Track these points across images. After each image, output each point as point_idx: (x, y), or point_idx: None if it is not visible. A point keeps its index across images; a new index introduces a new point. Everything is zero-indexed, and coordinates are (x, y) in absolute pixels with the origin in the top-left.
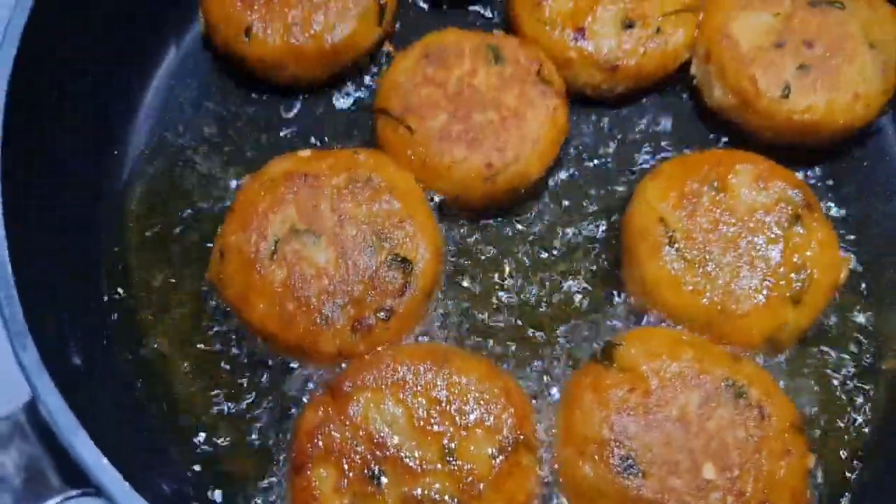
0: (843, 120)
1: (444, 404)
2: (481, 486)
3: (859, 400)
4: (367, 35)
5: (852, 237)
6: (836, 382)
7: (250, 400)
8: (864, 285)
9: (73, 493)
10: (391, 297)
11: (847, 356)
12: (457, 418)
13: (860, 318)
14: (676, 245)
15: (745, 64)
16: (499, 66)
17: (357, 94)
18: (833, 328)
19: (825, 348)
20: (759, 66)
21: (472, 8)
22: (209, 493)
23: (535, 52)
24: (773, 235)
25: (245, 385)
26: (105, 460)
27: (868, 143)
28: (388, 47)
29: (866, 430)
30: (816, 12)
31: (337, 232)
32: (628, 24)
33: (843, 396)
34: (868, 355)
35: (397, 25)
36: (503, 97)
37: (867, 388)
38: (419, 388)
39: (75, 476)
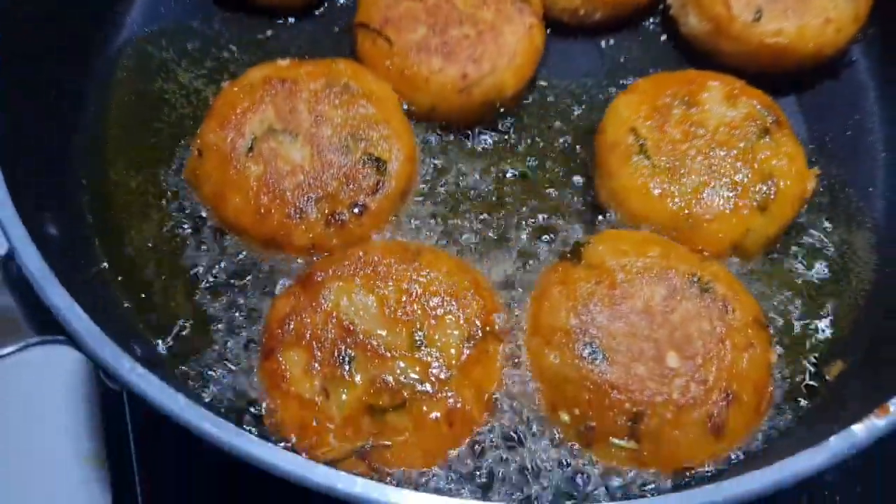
0: (813, 44)
1: (413, 295)
2: (449, 371)
3: (824, 308)
4: None
5: (820, 159)
6: (802, 291)
7: (225, 297)
8: (832, 207)
9: (43, 337)
10: (365, 194)
11: (813, 267)
12: (426, 308)
13: (826, 234)
14: (646, 153)
15: None
16: None
17: (338, 16)
18: (801, 241)
19: (792, 259)
20: None
21: None
22: (178, 367)
23: None
24: (741, 148)
25: (221, 282)
26: (78, 307)
27: (841, 76)
28: None
29: (829, 335)
30: None
31: (313, 132)
32: None
33: (809, 303)
34: (836, 266)
35: None
36: (481, 13)
37: (832, 297)
38: (390, 279)
39: (47, 325)
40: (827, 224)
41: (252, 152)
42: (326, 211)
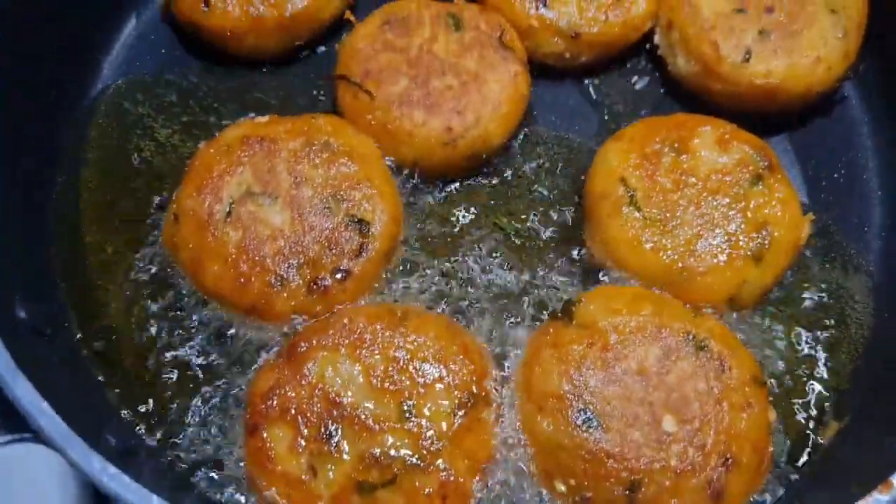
0: (803, 83)
1: (401, 362)
2: (441, 442)
3: (822, 360)
4: (327, 5)
5: (814, 201)
6: (799, 342)
7: (208, 370)
8: (827, 251)
9: (14, 436)
10: (348, 258)
11: (811, 316)
12: (415, 376)
13: (822, 279)
14: (637, 204)
15: (707, 30)
16: (459, 33)
17: (318, 65)
18: (796, 288)
19: (788, 308)
20: (720, 32)
21: None
22: (156, 455)
23: (496, 18)
24: (733, 195)
25: (201, 353)
26: (45, 404)
27: (833, 113)
28: (348, 16)
29: (827, 391)
30: None
31: (293, 194)
32: None
33: (806, 356)
34: (833, 313)
35: None
36: (464, 62)
37: (830, 348)
38: (376, 346)
39: (15, 422)
40: (822, 268)
41: (230, 217)
42: (308, 277)
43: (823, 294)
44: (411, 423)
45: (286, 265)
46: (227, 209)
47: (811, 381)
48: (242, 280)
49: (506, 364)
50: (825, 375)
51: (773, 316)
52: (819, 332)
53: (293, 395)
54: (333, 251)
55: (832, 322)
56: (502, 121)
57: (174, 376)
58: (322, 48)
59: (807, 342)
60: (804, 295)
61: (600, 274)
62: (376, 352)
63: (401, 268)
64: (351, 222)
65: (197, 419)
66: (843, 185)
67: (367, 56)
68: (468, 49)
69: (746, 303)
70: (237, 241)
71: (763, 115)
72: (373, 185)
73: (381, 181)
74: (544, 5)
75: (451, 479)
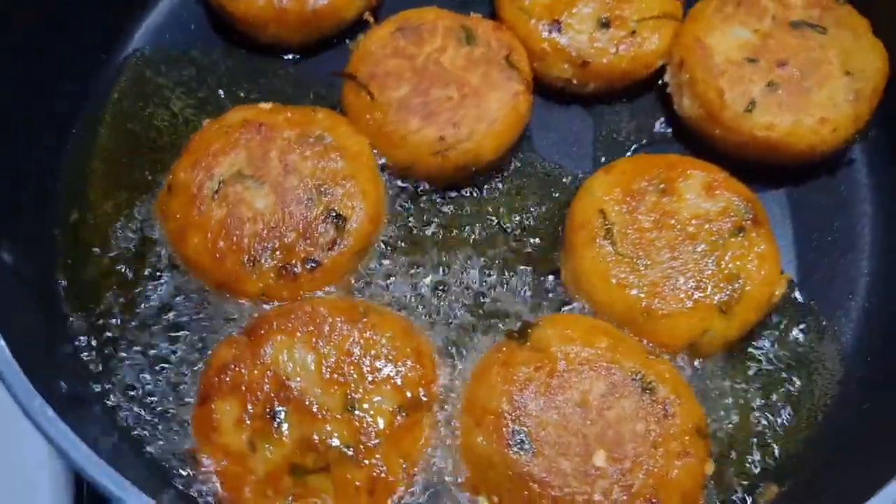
0: (806, 142)
1: (354, 357)
2: (377, 439)
3: (777, 421)
4: (350, 5)
5: (802, 259)
6: (757, 399)
7: (174, 336)
8: (807, 312)
9: None
10: (321, 250)
11: (775, 374)
12: (365, 372)
13: (796, 340)
14: (612, 238)
15: (715, 75)
16: (469, 47)
17: (336, 60)
18: (765, 345)
19: (753, 363)
20: (728, 79)
21: None
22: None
23: (508, 37)
24: (711, 243)
25: (173, 319)
26: (2, 342)
27: (838, 174)
28: (368, 17)
29: (776, 453)
30: (796, 33)
31: (280, 181)
32: (604, 23)
33: (762, 415)
34: (796, 377)
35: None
36: (468, 76)
37: (789, 410)
38: (333, 338)
39: None
40: (798, 329)
41: (217, 194)
42: (280, 262)
43: (793, 354)
44: (353, 416)
45: (261, 247)
46: (217, 187)
47: (761, 440)
48: (218, 255)
49: (456, 374)
50: (777, 437)
51: (736, 368)
52: (780, 392)
53: (246, 372)
54: (308, 241)
55: (796, 384)
56: (496, 137)
57: (146, 337)
58: (343, 43)
59: (765, 400)
60: (773, 352)
61: (570, 302)
62: (332, 342)
63: (375, 266)
64: (329, 216)
65: (158, 385)
66: (835, 248)
67: (376, 59)
68: (474, 64)
69: (707, 352)
70: (220, 218)
71: (765, 166)
72: (356, 184)
73: (366, 181)
74: (558, 30)
75: (382, 475)
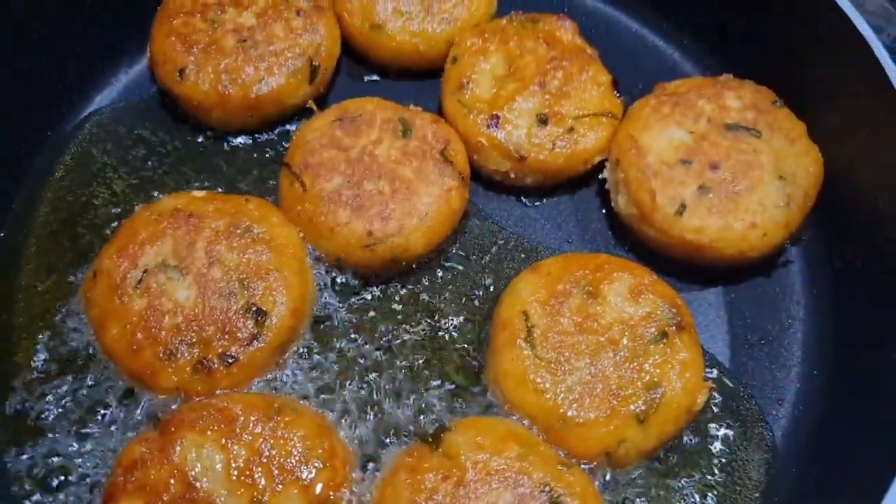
0: (735, 247)
1: (263, 458)
2: None
3: None
4: (294, 92)
5: (734, 363)
6: None
7: (88, 429)
8: (734, 418)
9: None
10: (239, 345)
11: (697, 486)
12: (274, 472)
13: (719, 448)
14: (532, 341)
15: (648, 176)
16: (404, 140)
17: (281, 145)
18: (688, 453)
19: (672, 474)
20: (660, 180)
21: (423, 81)
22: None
23: (445, 130)
24: (632, 349)
25: (89, 409)
26: None
27: (773, 275)
28: (311, 105)
29: None
30: (730, 136)
31: (204, 272)
32: (542, 119)
33: None
34: (719, 486)
35: (333, 87)
36: (401, 170)
37: None
38: (244, 437)
39: None
40: (723, 436)
41: (140, 285)
42: (196, 356)
43: (715, 465)
44: None
45: (178, 340)
46: (140, 277)
47: None
48: (135, 347)
49: (368, 474)
50: None
51: (654, 480)
52: (701, 501)
53: (153, 472)
54: (226, 335)
55: (718, 493)
56: (426, 232)
57: (58, 427)
58: (288, 130)
59: None
60: (695, 461)
61: (493, 405)
62: (242, 442)
63: (299, 357)
64: (249, 310)
65: (69, 478)
66: (767, 352)
67: (312, 149)
68: (409, 157)
69: (624, 462)
70: (140, 310)
71: (699, 266)
72: (280, 277)
73: (291, 274)
74: (496, 125)
75: None
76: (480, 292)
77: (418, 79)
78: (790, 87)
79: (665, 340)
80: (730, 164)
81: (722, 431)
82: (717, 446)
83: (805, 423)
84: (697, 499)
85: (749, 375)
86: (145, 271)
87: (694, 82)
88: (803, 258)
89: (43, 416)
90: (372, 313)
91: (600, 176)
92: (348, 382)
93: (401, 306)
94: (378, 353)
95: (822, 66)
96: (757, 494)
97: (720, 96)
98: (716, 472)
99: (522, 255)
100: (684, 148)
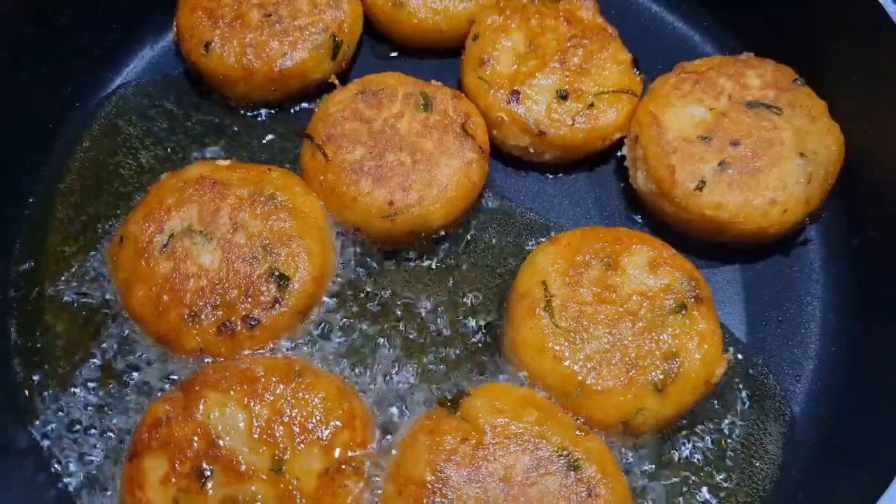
0: (755, 223)
1: (285, 417)
2: (303, 501)
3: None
4: (317, 67)
5: (751, 339)
6: (690, 480)
7: (113, 388)
8: (751, 393)
9: None
10: (261, 308)
11: (713, 455)
12: (295, 433)
13: (737, 421)
14: (551, 310)
15: (668, 152)
16: (426, 114)
17: (303, 119)
18: (706, 424)
19: (690, 443)
20: (679, 157)
21: (443, 60)
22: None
23: (465, 105)
24: (651, 320)
25: (116, 369)
26: None
27: (792, 253)
28: (333, 79)
29: None
30: (751, 113)
31: (228, 238)
32: (563, 95)
33: (693, 497)
34: (738, 459)
35: (355, 64)
36: (422, 142)
37: (724, 494)
38: (265, 397)
39: None
40: (741, 410)
41: (166, 249)
42: (220, 318)
43: (733, 436)
44: (280, 478)
45: (202, 303)
46: (166, 241)
47: None
48: (161, 309)
49: (388, 438)
50: None
51: (672, 449)
52: (717, 475)
53: (178, 430)
54: (249, 299)
55: (734, 467)
56: (446, 204)
57: (83, 387)
58: (312, 102)
59: (700, 483)
60: (713, 433)
61: (510, 372)
62: (264, 402)
63: (320, 324)
64: (272, 275)
65: (91, 434)
66: (785, 328)
67: (335, 121)
68: (430, 130)
69: (641, 430)
70: (166, 273)
71: (717, 243)
72: (303, 244)
73: (313, 241)
74: (516, 101)
75: None
76: (498, 265)
77: (439, 57)
78: (811, 65)
79: (684, 312)
80: (750, 141)
81: (739, 405)
82: (734, 417)
83: (823, 399)
84: (716, 466)
85: (767, 352)
86: (171, 236)
87: (714, 61)
88: (822, 236)
89: (70, 377)
90: (392, 283)
91: (618, 153)
92: (367, 349)
93: (420, 278)
94: (397, 322)
95: (843, 45)
96: (774, 467)
97: (741, 74)
98: (734, 441)
99: (540, 231)
100: (704, 125)
